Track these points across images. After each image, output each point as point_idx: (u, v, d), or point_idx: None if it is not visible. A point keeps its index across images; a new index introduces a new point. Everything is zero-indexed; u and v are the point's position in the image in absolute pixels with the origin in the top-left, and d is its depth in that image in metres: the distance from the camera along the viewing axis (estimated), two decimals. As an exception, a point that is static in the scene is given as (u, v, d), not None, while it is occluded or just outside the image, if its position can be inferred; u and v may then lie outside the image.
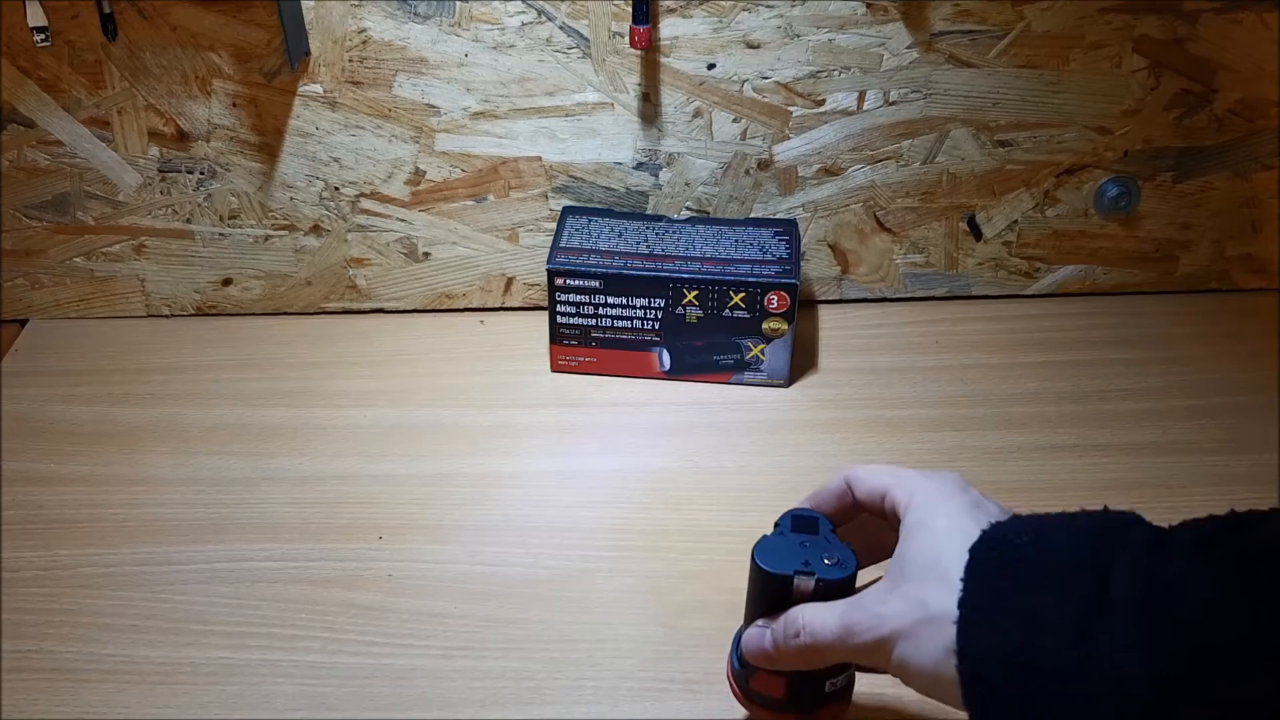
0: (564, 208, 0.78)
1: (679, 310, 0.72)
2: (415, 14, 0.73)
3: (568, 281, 0.72)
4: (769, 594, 0.45)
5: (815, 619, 0.43)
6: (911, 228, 0.81)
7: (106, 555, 0.64)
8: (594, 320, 0.74)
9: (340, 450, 0.71)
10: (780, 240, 0.75)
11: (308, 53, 0.74)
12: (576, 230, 0.75)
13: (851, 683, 0.48)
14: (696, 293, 0.71)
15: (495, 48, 0.74)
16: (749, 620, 0.47)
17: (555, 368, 0.76)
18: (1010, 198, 0.80)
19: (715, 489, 0.68)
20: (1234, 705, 0.33)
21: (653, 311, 0.73)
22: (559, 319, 0.74)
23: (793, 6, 0.72)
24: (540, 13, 0.73)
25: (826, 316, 0.83)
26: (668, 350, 0.74)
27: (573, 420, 0.74)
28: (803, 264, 0.82)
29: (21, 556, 0.64)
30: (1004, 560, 0.38)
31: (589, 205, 0.79)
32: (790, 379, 0.75)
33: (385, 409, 0.75)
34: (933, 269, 0.83)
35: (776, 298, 0.71)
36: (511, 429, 0.73)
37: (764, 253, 0.73)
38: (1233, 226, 0.81)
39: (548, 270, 0.72)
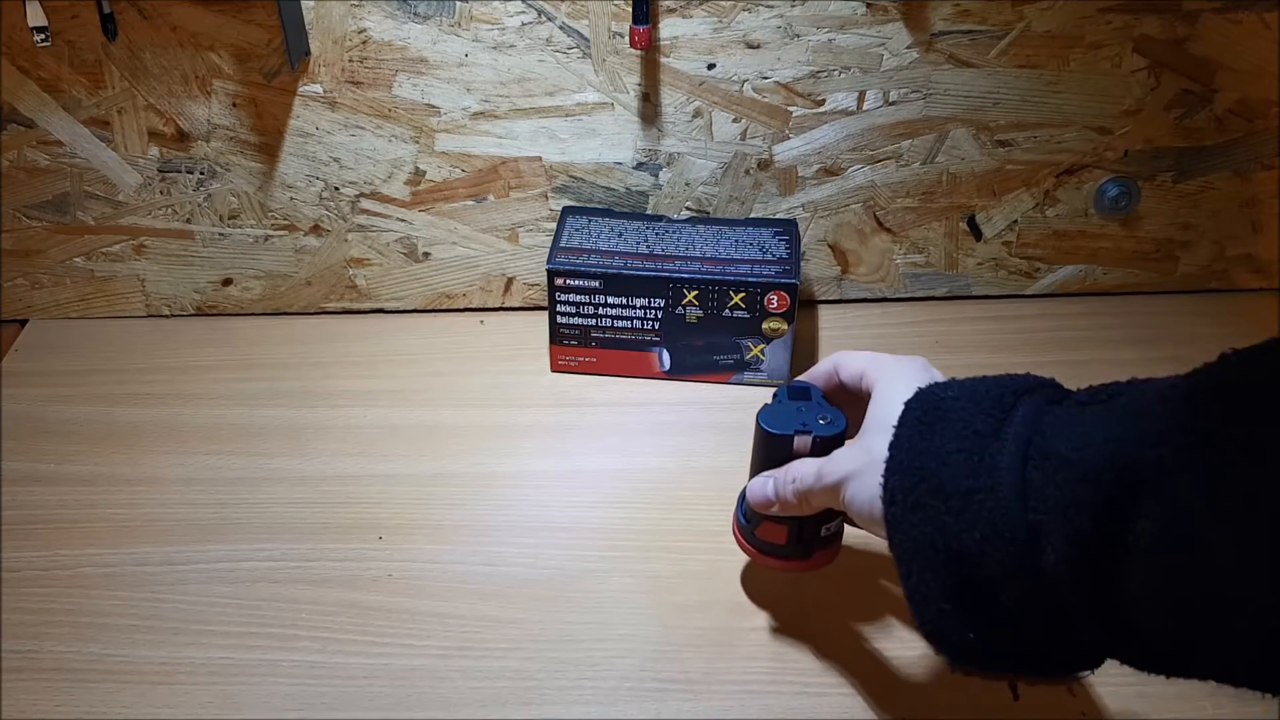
0: (564, 208, 0.78)
1: (679, 310, 0.72)
2: (415, 14, 0.73)
3: (567, 282, 0.72)
4: (772, 453, 0.52)
5: (802, 468, 0.51)
6: (911, 228, 0.81)
7: (106, 555, 0.64)
8: (594, 320, 0.74)
9: (340, 450, 0.71)
10: (780, 240, 0.74)
11: (308, 53, 0.74)
12: (576, 230, 0.75)
13: (842, 529, 0.54)
14: (696, 293, 0.71)
15: (495, 48, 0.74)
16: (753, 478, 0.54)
17: (555, 368, 0.76)
18: (1010, 198, 0.80)
19: (715, 489, 0.67)
20: (1099, 542, 0.37)
21: (652, 311, 0.73)
22: (559, 319, 0.74)
23: (793, 6, 0.72)
24: (540, 13, 0.73)
25: (826, 316, 0.83)
26: (668, 350, 0.74)
27: (573, 420, 0.74)
28: (803, 264, 0.82)
29: (21, 556, 0.64)
30: (926, 407, 0.44)
31: (589, 205, 0.79)
32: (791, 379, 0.74)
33: (385, 409, 0.75)
34: (933, 269, 0.83)
35: (776, 298, 0.71)
36: (511, 429, 0.73)
37: (764, 253, 0.73)
38: (1233, 226, 0.81)
39: (547, 270, 0.72)
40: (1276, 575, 0.32)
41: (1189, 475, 0.34)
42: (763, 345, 0.73)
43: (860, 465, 0.46)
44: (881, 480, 0.44)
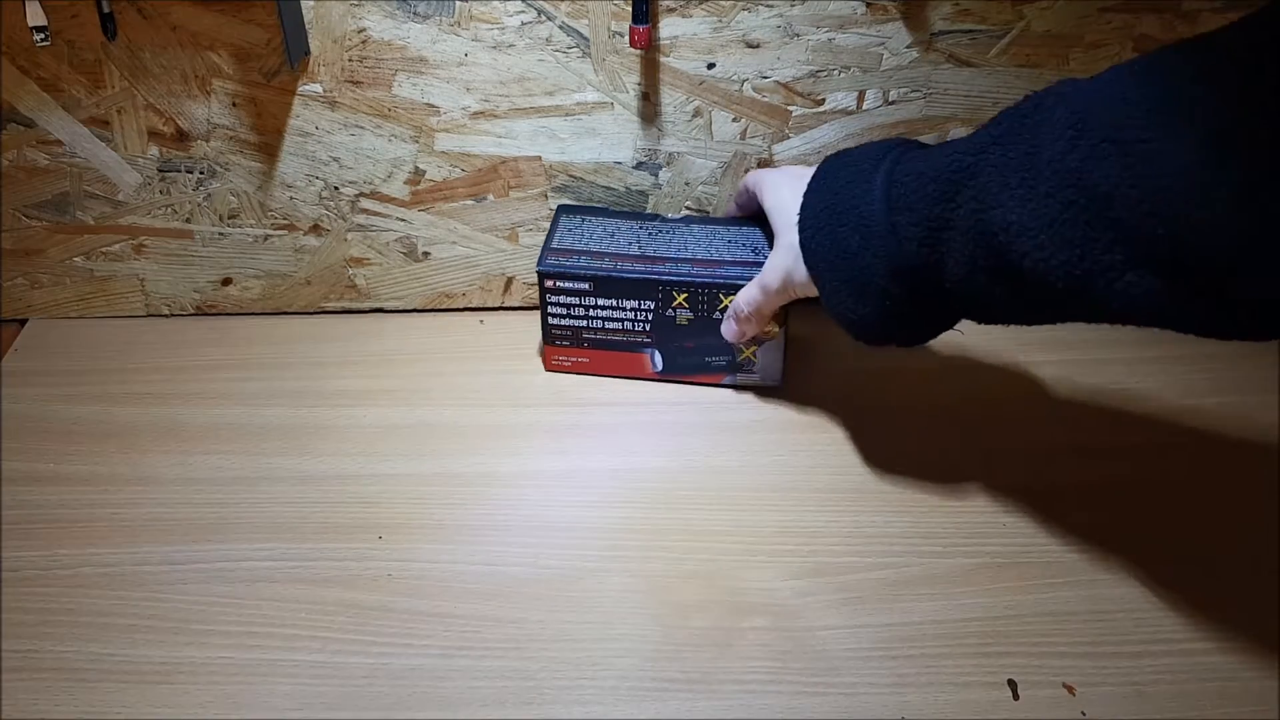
0: (559, 206, 0.78)
1: (669, 312, 0.72)
2: (415, 14, 0.73)
3: (557, 284, 0.72)
4: None
5: (747, 292, 0.68)
6: (911, 227, 0.81)
7: (106, 555, 0.64)
8: (585, 322, 0.74)
9: (340, 450, 0.71)
10: (768, 239, 0.73)
11: (307, 52, 0.74)
12: (570, 230, 0.75)
13: None
14: (686, 295, 0.71)
15: (495, 47, 0.74)
16: None
17: (549, 367, 0.77)
18: (1010, 197, 0.80)
19: (714, 488, 0.68)
20: (935, 227, 0.54)
21: (643, 314, 0.72)
22: (550, 320, 0.74)
23: (792, 6, 0.72)
24: (540, 12, 0.73)
25: (826, 316, 0.83)
26: (659, 351, 0.74)
27: (572, 420, 0.74)
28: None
29: (21, 556, 0.64)
30: (830, 164, 0.62)
31: (586, 204, 0.79)
32: (784, 380, 0.75)
33: (385, 409, 0.75)
34: (932, 269, 0.83)
35: None
36: (511, 428, 0.73)
37: (756, 253, 0.72)
38: (1232, 226, 0.81)
39: (538, 272, 0.72)
40: (1050, 228, 0.47)
41: (990, 169, 0.50)
42: (754, 347, 0.73)
43: (791, 259, 0.63)
44: (797, 221, 0.62)
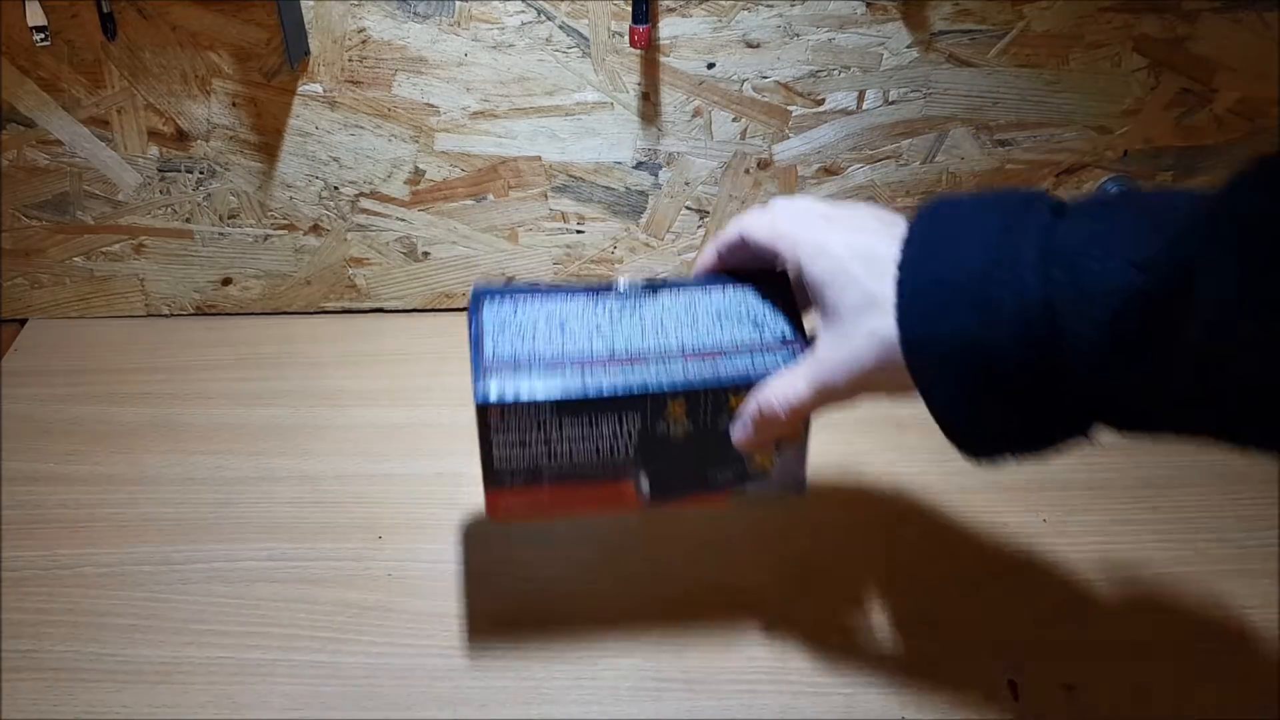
0: (474, 292, 0.55)
1: (660, 427, 0.52)
2: (415, 13, 0.73)
3: (507, 415, 0.51)
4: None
5: (786, 391, 0.49)
6: (911, 227, 0.81)
7: (106, 555, 0.64)
8: (546, 456, 0.52)
9: (340, 450, 0.71)
10: (777, 309, 0.54)
11: (307, 52, 0.74)
12: (502, 327, 0.53)
13: None
14: (683, 403, 0.52)
15: (495, 47, 0.74)
16: None
17: (498, 517, 0.54)
18: (1010, 197, 0.80)
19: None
20: (1130, 327, 0.38)
21: (625, 433, 0.52)
22: (496, 460, 0.52)
23: (792, 6, 0.72)
24: (540, 12, 0.73)
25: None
26: (647, 475, 0.54)
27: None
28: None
29: (21, 556, 0.64)
30: (931, 219, 0.45)
31: (509, 285, 0.59)
32: (805, 486, 0.55)
33: (385, 409, 0.75)
34: (932, 268, 0.83)
35: None
36: (511, 429, 0.73)
37: (759, 327, 0.53)
38: (1232, 226, 0.81)
39: (478, 406, 0.50)
40: None
41: (1227, 269, 0.35)
42: (771, 453, 0.54)
43: (880, 352, 0.45)
44: (895, 284, 0.44)
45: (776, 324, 0.53)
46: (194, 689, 0.56)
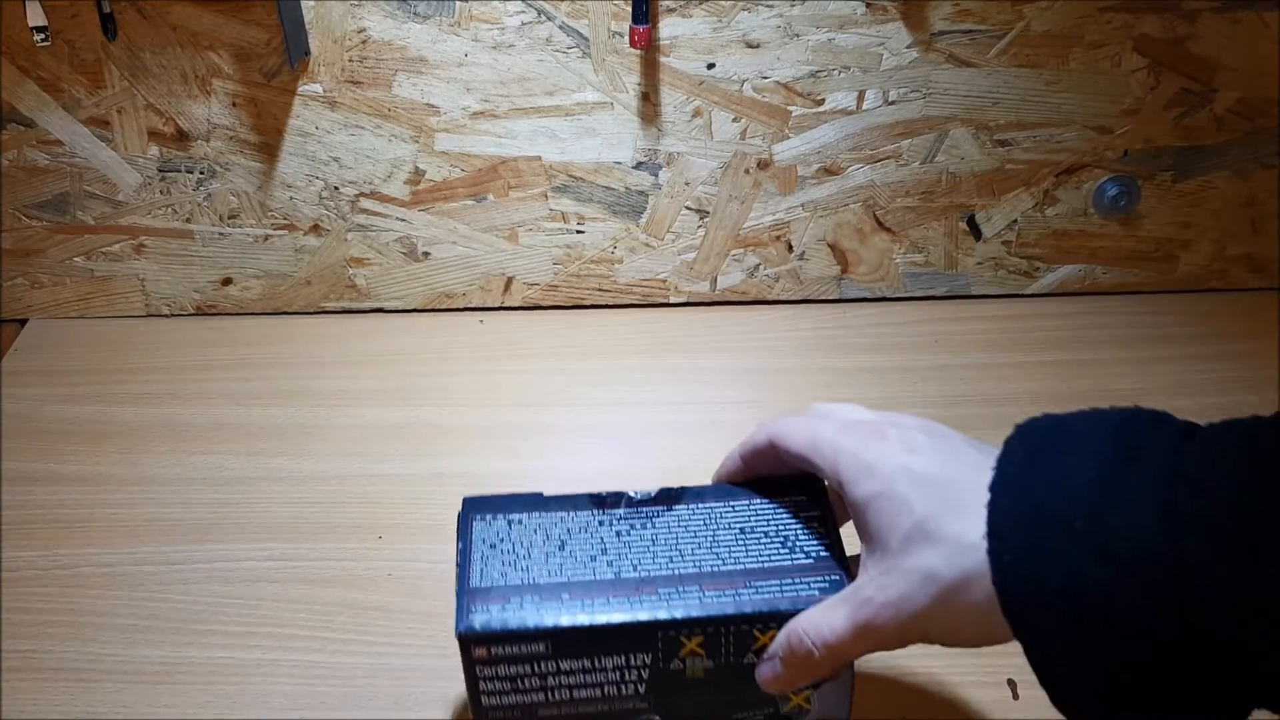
0: (465, 502, 0.50)
1: (675, 665, 0.45)
2: (415, 14, 0.73)
3: (494, 650, 0.44)
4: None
5: (822, 627, 0.42)
6: (911, 227, 0.81)
7: (106, 555, 0.64)
8: (541, 695, 0.46)
9: (340, 450, 0.71)
10: (809, 523, 0.47)
11: (307, 52, 0.74)
12: (491, 547, 0.47)
13: None
14: (701, 638, 0.44)
15: (495, 47, 0.74)
16: None
17: None
18: (1010, 197, 0.80)
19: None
20: (1252, 595, 0.32)
21: (634, 671, 0.45)
22: (485, 700, 0.45)
23: (792, 6, 0.72)
24: (540, 12, 0.73)
25: (826, 316, 0.83)
26: (661, 717, 0.47)
27: (572, 420, 0.74)
28: (803, 262, 0.82)
29: (21, 556, 0.64)
30: (1033, 435, 0.39)
31: (503, 494, 0.50)
32: (849, 716, 0.48)
33: (385, 409, 0.74)
34: (932, 269, 0.83)
35: None
36: (511, 429, 0.73)
37: (791, 549, 0.46)
38: (1233, 226, 0.81)
39: (459, 636, 0.44)
40: None
41: None
42: (808, 692, 0.46)
43: (933, 594, 0.38)
44: (984, 530, 0.37)
45: (810, 544, 0.46)
46: (194, 689, 0.56)
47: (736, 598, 0.44)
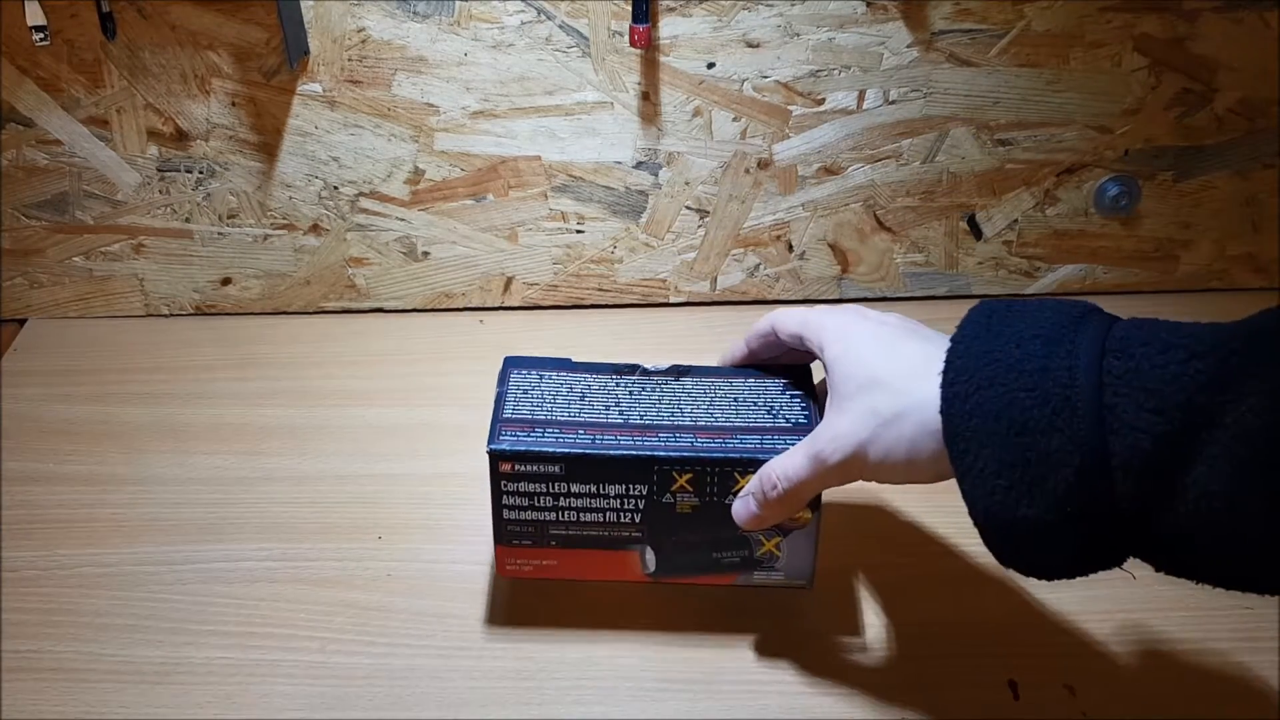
0: (506, 360, 0.59)
1: (667, 499, 0.54)
2: (414, 13, 0.73)
3: (517, 467, 0.53)
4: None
5: (785, 465, 0.50)
6: (911, 227, 0.81)
7: (106, 555, 0.64)
8: (553, 514, 0.55)
9: (339, 450, 0.71)
10: (793, 397, 0.56)
11: (307, 52, 0.74)
12: (524, 391, 0.57)
13: None
14: (690, 476, 0.53)
15: (494, 47, 0.74)
16: None
17: (504, 573, 0.57)
18: (1010, 197, 0.80)
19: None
20: (1184, 428, 0.38)
21: (632, 501, 0.54)
22: (506, 514, 0.55)
23: (792, 5, 0.72)
24: (540, 12, 0.73)
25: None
26: (652, 548, 0.56)
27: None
28: (803, 262, 0.82)
29: (21, 556, 0.64)
30: (989, 312, 0.45)
31: (540, 357, 0.60)
32: (813, 581, 0.56)
33: (385, 409, 0.74)
34: (933, 268, 0.83)
35: None
36: (511, 428, 0.73)
37: (774, 415, 0.55)
38: (1233, 226, 0.81)
39: (489, 453, 0.53)
40: None
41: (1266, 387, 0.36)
42: (778, 539, 0.55)
43: (870, 430, 0.46)
44: (940, 370, 0.44)
45: (791, 410, 0.55)
46: (194, 689, 0.56)
47: (723, 445, 0.53)
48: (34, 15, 0.71)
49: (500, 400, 0.56)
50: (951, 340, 0.45)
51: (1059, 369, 0.40)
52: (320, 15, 0.73)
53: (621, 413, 0.55)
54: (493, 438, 0.54)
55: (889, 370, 0.47)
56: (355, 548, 0.64)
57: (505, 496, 0.54)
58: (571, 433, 0.54)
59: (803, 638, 0.58)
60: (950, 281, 0.83)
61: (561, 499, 0.54)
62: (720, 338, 0.81)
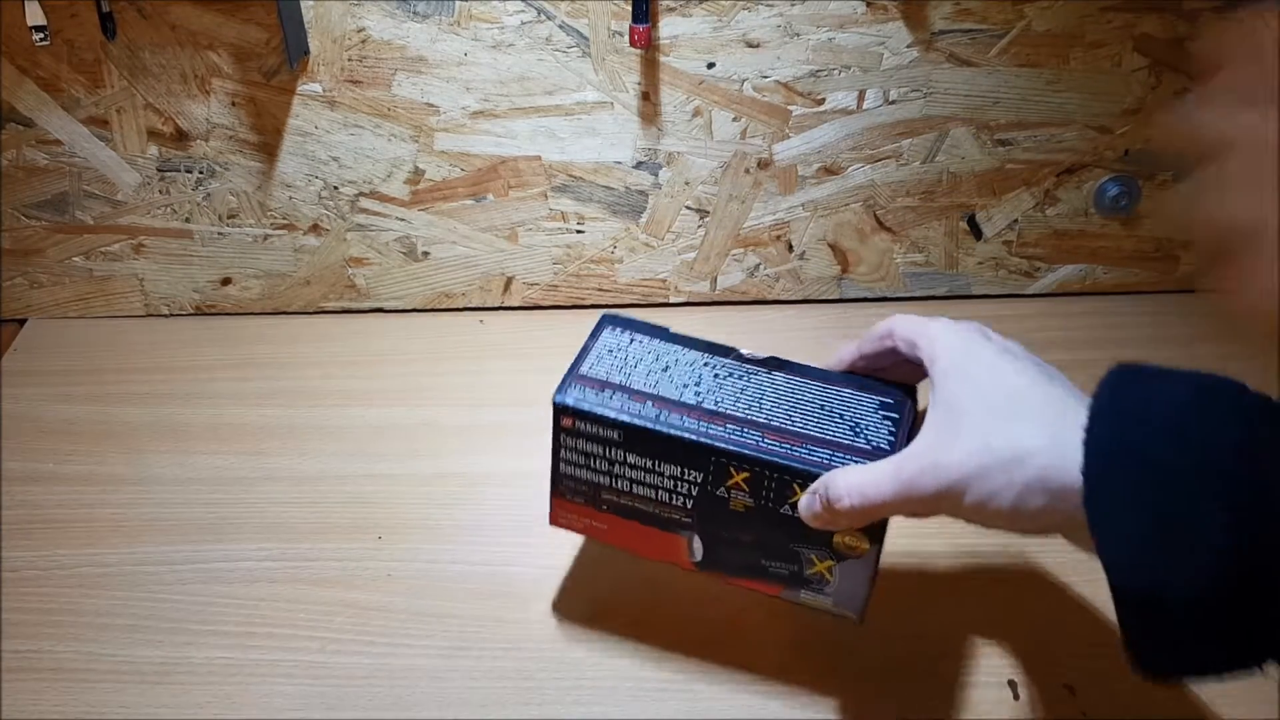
0: (604, 317, 0.58)
1: (721, 492, 0.51)
2: (414, 13, 0.73)
3: (578, 424, 0.52)
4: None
5: (864, 480, 0.45)
6: (911, 227, 0.81)
7: (106, 555, 0.64)
8: (607, 479, 0.53)
9: (339, 450, 0.71)
10: (885, 419, 0.51)
11: (307, 52, 0.74)
12: (610, 351, 0.55)
13: None
14: (747, 475, 0.50)
15: (494, 47, 0.74)
16: None
17: (555, 522, 0.56)
18: (1010, 197, 0.80)
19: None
20: None
21: (685, 485, 0.52)
22: (562, 467, 0.54)
23: (792, 5, 0.72)
24: (540, 12, 0.73)
25: (826, 316, 0.83)
26: (700, 538, 0.53)
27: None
28: (803, 262, 0.82)
29: (21, 556, 0.64)
30: (1126, 370, 0.41)
31: (639, 320, 0.58)
32: (864, 613, 0.52)
33: (385, 409, 0.74)
34: (933, 268, 0.83)
35: None
36: (511, 428, 0.73)
37: (857, 433, 0.50)
38: (1233, 226, 0.81)
39: (554, 403, 0.52)
40: None
41: None
42: (831, 563, 0.51)
43: (977, 466, 0.41)
44: (1080, 424, 0.39)
45: (877, 433, 0.50)
46: (194, 689, 0.56)
47: (789, 451, 0.49)
48: (34, 15, 0.71)
49: (582, 353, 0.55)
50: (1095, 398, 0.40)
51: (1213, 440, 0.37)
52: (320, 15, 0.73)
53: (698, 394, 0.52)
54: (561, 389, 0.52)
55: (1010, 406, 0.42)
56: (355, 548, 0.64)
57: (563, 450, 0.53)
58: (640, 402, 0.52)
59: (802, 638, 0.58)
60: (950, 281, 0.83)
61: (616, 466, 0.53)
62: (720, 338, 0.81)
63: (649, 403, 0.52)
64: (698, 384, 0.53)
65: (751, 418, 0.51)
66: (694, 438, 0.50)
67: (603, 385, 0.53)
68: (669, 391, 0.52)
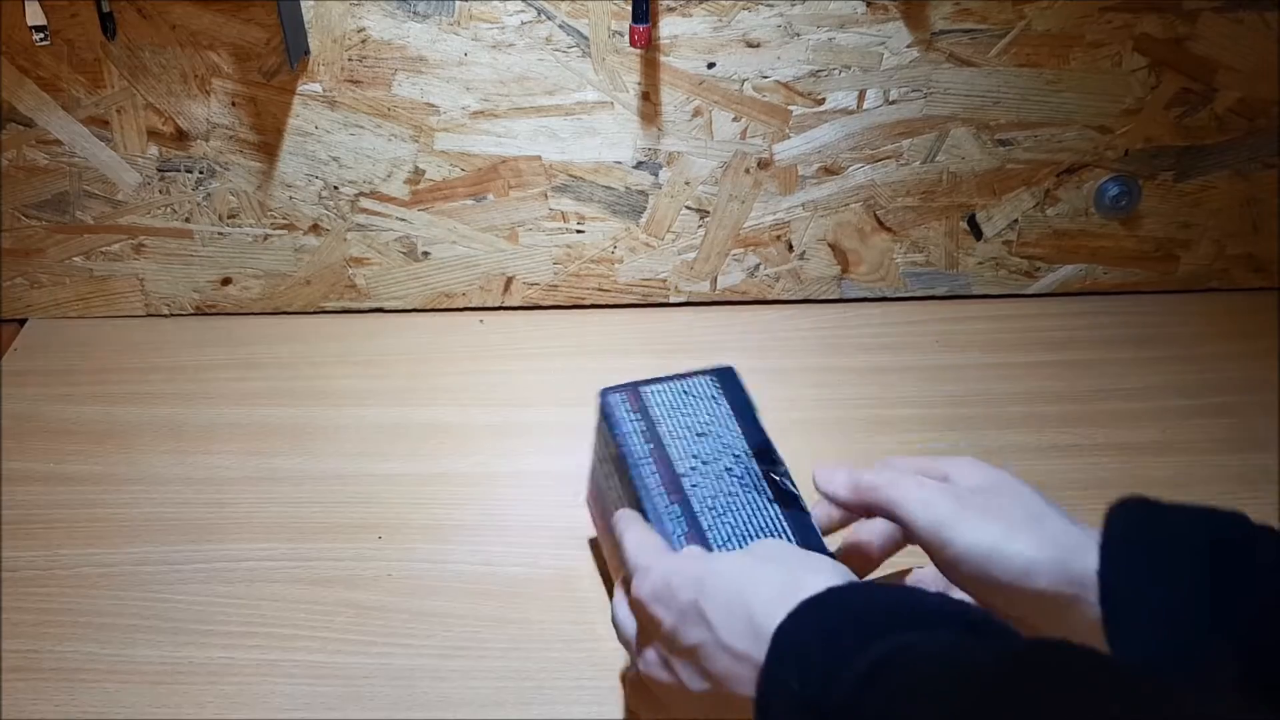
0: (729, 369, 0.58)
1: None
2: (414, 13, 0.73)
3: (600, 422, 0.56)
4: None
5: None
6: (911, 227, 0.81)
7: (106, 555, 0.64)
8: (605, 488, 0.57)
9: (339, 450, 0.71)
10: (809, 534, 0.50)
11: (307, 52, 0.74)
12: (685, 391, 0.56)
13: None
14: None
15: (495, 47, 0.74)
16: None
17: (588, 501, 0.60)
18: (1010, 197, 0.80)
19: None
20: None
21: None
22: (593, 452, 0.58)
23: (793, 5, 0.72)
24: (540, 12, 0.73)
25: (826, 316, 0.83)
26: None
27: (572, 419, 0.73)
28: (803, 262, 0.82)
29: (21, 556, 0.64)
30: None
31: (743, 387, 0.57)
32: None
33: (385, 409, 0.74)
34: (933, 268, 0.83)
35: None
36: (511, 428, 0.73)
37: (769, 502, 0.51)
38: (1233, 225, 0.81)
39: (600, 392, 0.56)
40: None
41: None
42: None
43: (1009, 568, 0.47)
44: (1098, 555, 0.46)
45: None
46: (193, 689, 0.56)
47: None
48: (34, 15, 0.70)
49: (669, 376, 0.57)
50: (1112, 505, 0.47)
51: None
52: (320, 15, 0.73)
53: (691, 470, 0.52)
54: (614, 389, 0.56)
55: (1042, 535, 0.50)
56: (356, 548, 0.64)
57: (596, 437, 0.57)
58: (647, 441, 0.53)
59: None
60: (950, 281, 0.83)
61: (611, 480, 0.55)
62: (720, 338, 0.81)
63: (651, 445, 0.53)
64: (704, 464, 0.52)
65: (700, 516, 0.50)
66: (642, 494, 0.51)
67: (640, 409, 0.55)
68: (675, 452, 0.53)
